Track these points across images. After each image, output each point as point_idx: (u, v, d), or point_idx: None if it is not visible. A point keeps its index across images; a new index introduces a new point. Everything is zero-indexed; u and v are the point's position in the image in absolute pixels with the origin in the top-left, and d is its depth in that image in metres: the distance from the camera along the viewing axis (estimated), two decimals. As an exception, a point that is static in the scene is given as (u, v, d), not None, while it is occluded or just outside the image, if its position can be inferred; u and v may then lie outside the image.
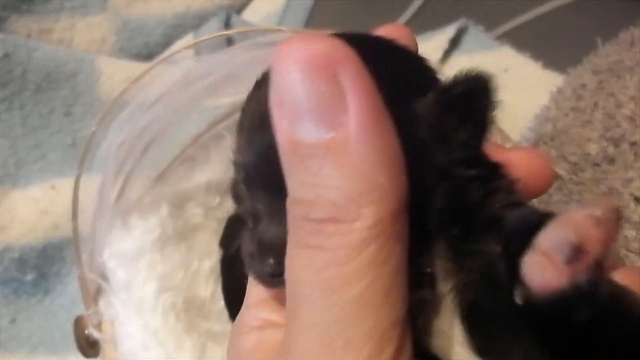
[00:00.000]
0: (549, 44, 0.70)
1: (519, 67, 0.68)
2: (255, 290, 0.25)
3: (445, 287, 0.23)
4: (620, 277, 0.23)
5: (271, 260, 0.23)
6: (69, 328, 0.45)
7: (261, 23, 0.77)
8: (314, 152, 0.18)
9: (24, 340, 0.57)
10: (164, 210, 0.49)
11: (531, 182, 0.26)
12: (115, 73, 0.65)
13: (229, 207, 0.51)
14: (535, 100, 0.56)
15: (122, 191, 0.47)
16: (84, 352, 0.44)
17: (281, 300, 0.24)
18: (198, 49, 0.60)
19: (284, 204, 0.20)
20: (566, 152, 0.48)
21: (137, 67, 0.67)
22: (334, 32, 0.25)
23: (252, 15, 0.78)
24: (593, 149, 0.46)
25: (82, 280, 0.45)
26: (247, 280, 0.26)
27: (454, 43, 0.71)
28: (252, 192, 0.24)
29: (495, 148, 0.26)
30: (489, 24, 0.73)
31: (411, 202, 0.19)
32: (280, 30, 0.53)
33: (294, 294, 0.20)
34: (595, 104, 0.48)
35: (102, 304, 0.46)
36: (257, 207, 0.24)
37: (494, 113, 0.23)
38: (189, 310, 0.47)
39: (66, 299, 0.58)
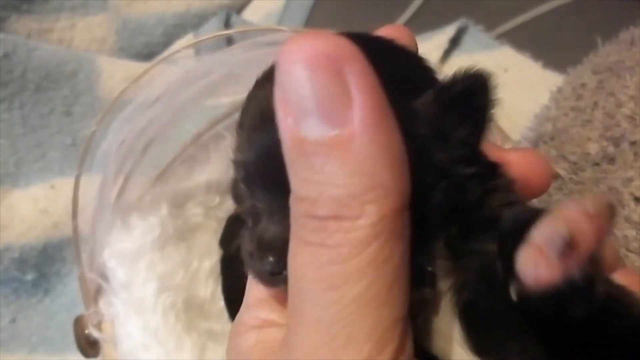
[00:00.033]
0: (548, 44, 0.70)
1: (519, 67, 0.68)
2: (254, 290, 0.25)
3: (445, 287, 0.23)
4: (619, 277, 0.23)
5: (271, 259, 0.23)
6: (69, 328, 0.45)
7: (261, 23, 0.77)
8: (318, 149, 0.18)
9: (24, 340, 0.57)
10: (164, 210, 0.49)
11: (530, 182, 0.26)
12: (115, 73, 0.65)
13: (229, 206, 0.51)
14: (535, 100, 0.56)
15: (122, 191, 0.47)
16: (84, 352, 0.44)
17: (281, 300, 0.24)
18: (198, 48, 0.59)
19: (284, 203, 0.20)
20: (566, 152, 0.47)
21: (137, 66, 0.67)
22: (333, 32, 0.25)
23: (252, 15, 0.78)
24: (593, 148, 0.46)
25: (82, 280, 0.45)
26: (247, 279, 0.26)
27: (454, 43, 0.71)
28: (252, 191, 0.24)
29: (494, 149, 0.26)
30: (489, 24, 0.72)
31: (412, 200, 0.19)
32: (280, 30, 0.53)
33: (296, 291, 0.20)
34: (595, 104, 0.48)
35: (102, 303, 0.46)
36: (256, 206, 0.24)
37: (493, 111, 0.23)
38: (189, 310, 0.47)
39: (66, 298, 0.58)
